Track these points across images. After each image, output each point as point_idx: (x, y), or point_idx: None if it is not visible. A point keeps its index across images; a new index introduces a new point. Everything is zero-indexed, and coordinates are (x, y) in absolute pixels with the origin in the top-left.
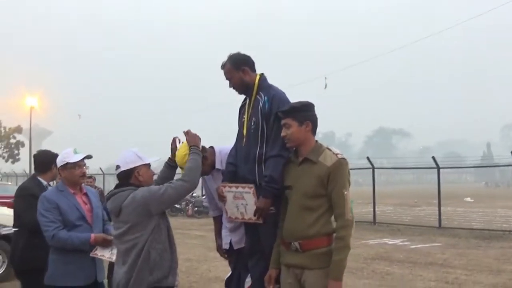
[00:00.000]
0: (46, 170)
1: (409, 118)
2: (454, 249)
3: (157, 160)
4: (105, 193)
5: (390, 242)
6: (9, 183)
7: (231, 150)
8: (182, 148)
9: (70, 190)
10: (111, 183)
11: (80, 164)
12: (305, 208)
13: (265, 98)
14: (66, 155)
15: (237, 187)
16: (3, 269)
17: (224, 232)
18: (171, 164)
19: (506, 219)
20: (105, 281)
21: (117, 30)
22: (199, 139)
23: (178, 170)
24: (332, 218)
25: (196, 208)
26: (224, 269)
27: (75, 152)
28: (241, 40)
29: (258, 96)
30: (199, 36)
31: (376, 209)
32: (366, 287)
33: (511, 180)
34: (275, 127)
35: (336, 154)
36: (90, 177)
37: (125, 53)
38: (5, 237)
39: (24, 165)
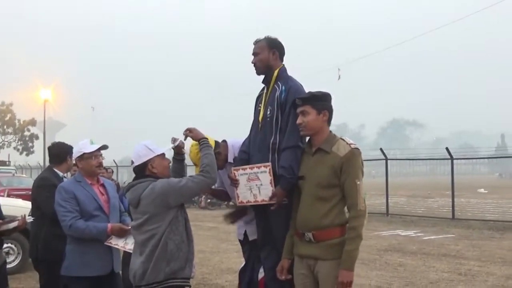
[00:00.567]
0: (61, 162)
1: (423, 109)
2: (467, 240)
3: (168, 149)
4: (121, 185)
5: (403, 234)
6: (24, 175)
7: (244, 140)
8: (194, 147)
9: (87, 181)
10: (124, 176)
11: (96, 154)
12: (318, 199)
13: (283, 87)
14: (82, 146)
15: (251, 168)
16: (18, 261)
17: (239, 223)
18: (178, 158)
19: None
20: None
21: (129, 23)
22: (201, 132)
23: (189, 161)
24: (346, 208)
25: (209, 200)
26: (236, 261)
27: (91, 143)
28: (253, 27)
29: (275, 86)
30: (214, 25)
31: (389, 200)
32: (379, 278)
33: None
34: (291, 117)
35: (350, 144)
36: (107, 169)
37: (140, 44)
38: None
39: (38, 157)
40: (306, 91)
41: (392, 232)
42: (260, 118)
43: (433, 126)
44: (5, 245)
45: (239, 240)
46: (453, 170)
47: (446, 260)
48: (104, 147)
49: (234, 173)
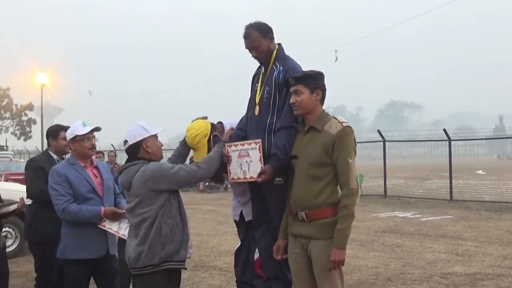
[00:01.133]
0: (49, 144)
1: (421, 91)
2: (465, 221)
3: (162, 130)
4: None
5: (401, 215)
6: (22, 160)
7: (242, 118)
8: (190, 131)
9: (80, 164)
10: (123, 159)
11: (89, 136)
12: (311, 177)
13: (281, 67)
14: (74, 128)
15: (242, 145)
16: (16, 244)
17: (235, 204)
18: (184, 143)
19: None
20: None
21: (127, 6)
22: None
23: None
24: (338, 188)
25: (207, 183)
26: (234, 243)
27: (84, 124)
28: (252, 8)
29: (273, 66)
30: (209, 6)
31: (387, 182)
32: (376, 259)
33: None
34: (287, 98)
35: (342, 123)
36: (110, 152)
37: (136, 28)
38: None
39: (36, 142)
40: (321, 71)
41: (390, 213)
42: (257, 99)
43: (431, 108)
44: (3, 229)
45: (235, 221)
46: (451, 152)
47: (444, 241)
48: (97, 129)
49: (227, 149)
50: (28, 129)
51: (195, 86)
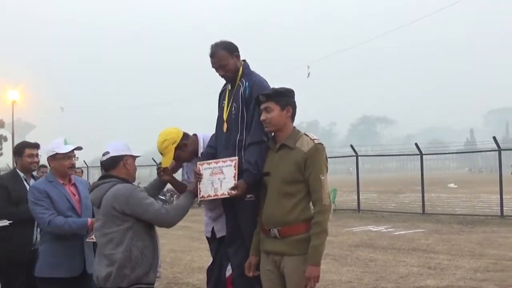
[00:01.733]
0: (16, 161)
1: (393, 106)
2: (437, 234)
3: (140, 156)
4: None
5: (374, 229)
6: None
7: (211, 136)
8: (161, 136)
9: (59, 181)
10: (95, 177)
11: (70, 155)
12: (283, 194)
13: (246, 83)
14: (56, 145)
15: (216, 163)
16: None
17: (206, 220)
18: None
19: (488, 204)
20: None
21: (97, 23)
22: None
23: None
24: (311, 204)
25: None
26: (208, 259)
27: (66, 142)
28: (223, 25)
29: (240, 82)
30: (183, 21)
31: (361, 196)
32: (350, 274)
33: (494, 165)
34: (255, 113)
35: (313, 140)
36: (76, 169)
37: (107, 44)
38: None
39: (7, 159)
40: (290, 88)
41: (363, 228)
42: (225, 116)
43: (403, 123)
44: None
45: (207, 237)
46: (423, 166)
47: (416, 255)
48: (78, 148)
49: (199, 168)
50: None
51: (171, 101)
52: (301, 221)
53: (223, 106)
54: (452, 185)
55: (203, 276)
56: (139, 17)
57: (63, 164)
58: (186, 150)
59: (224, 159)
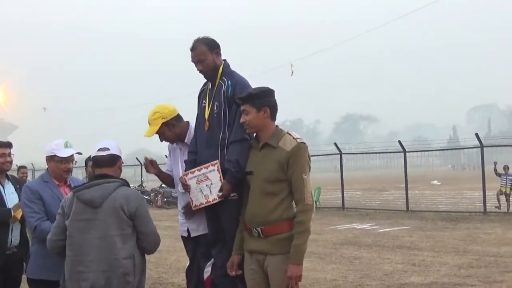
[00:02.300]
0: None
1: (377, 104)
2: (421, 231)
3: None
4: None
5: (358, 227)
6: None
7: (191, 141)
8: (159, 106)
9: (54, 182)
10: (79, 177)
11: (68, 159)
12: (266, 194)
13: (229, 82)
14: (55, 147)
15: (199, 170)
16: None
17: (181, 219)
18: None
19: (472, 200)
20: None
21: (82, 23)
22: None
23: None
24: (294, 203)
25: (165, 199)
26: None
27: (66, 146)
28: (207, 27)
29: (221, 81)
30: (167, 21)
31: (345, 194)
32: (335, 272)
33: (476, 162)
34: (238, 112)
35: (296, 139)
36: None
37: (91, 45)
38: None
39: None
40: (267, 87)
41: (348, 225)
42: (206, 115)
43: (387, 121)
44: None
45: (182, 237)
46: (406, 163)
47: (401, 252)
48: (79, 153)
49: (184, 178)
50: None
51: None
52: (284, 220)
53: (204, 106)
54: (435, 182)
55: None
56: (124, 19)
57: (59, 167)
58: (172, 130)
59: (206, 165)
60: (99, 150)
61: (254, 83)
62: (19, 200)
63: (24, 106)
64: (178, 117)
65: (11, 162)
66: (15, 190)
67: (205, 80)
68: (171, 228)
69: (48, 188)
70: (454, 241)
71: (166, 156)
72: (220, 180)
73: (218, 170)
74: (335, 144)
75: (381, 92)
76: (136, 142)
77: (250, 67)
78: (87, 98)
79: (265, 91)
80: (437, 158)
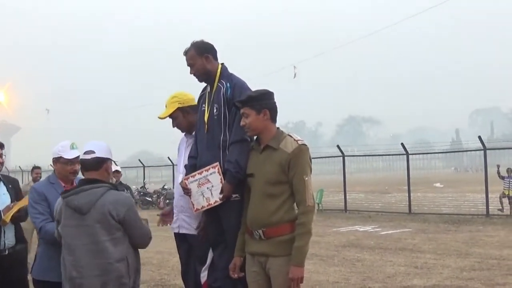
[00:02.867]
0: None
1: (379, 106)
2: (423, 234)
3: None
4: None
5: (361, 229)
6: None
7: (191, 146)
8: (179, 92)
9: (61, 183)
10: None
11: (73, 161)
12: (267, 196)
13: (227, 84)
14: (62, 149)
15: (200, 173)
16: None
17: (176, 215)
18: None
19: (474, 203)
20: None
21: (84, 23)
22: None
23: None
24: (295, 205)
25: (167, 201)
26: None
27: (72, 147)
28: (212, 31)
29: (219, 84)
30: (169, 24)
31: (347, 197)
32: (337, 274)
33: (479, 165)
34: (237, 114)
35: (297, 141)
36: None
37: (93, 43)
38: None
39: None
40: (266, 89)
41: (350, 228)
42: (205, 118)
43: (389, 123)
44: None
45: (174, 234)
46: (409, 165)
47: (403, 254)
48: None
49: (185, 182)
50: None
51: (158, 103)
52: (286, 222)
53: (204, 110)
54: (438, 184)
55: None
56: (125, 21)
57: (65, 168)
58: (186, 116)
59: (206, 168)
60: (85, 153)
61: (257, 86)
62: (11, 200)
63: (27, 108)
64: (195, 107)
65: (2, 163)
66: (7, 191)
67: (205, 85)
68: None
69: (54, 189)
70: (456, 243)
71: (169, 158)
72: (221, 182)
73: (218, 172)
74: (338, 146)
75: (383, 94)
76: (138, 144)
77: (253, 70)
78: (90, 99)
79: (264, 93)
80: (439, 160)
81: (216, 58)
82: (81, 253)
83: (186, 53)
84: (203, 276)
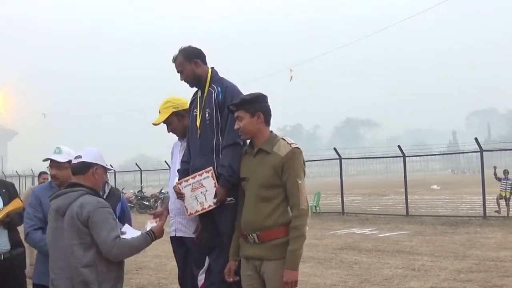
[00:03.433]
0: None
1: (376, 108)
2: (421, 236)
3: (111, 170)
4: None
5: (358, 232)
6: None
7: (184, 151)
8: (173, 96)
9: (57, 187)
10: None
11: (53, 165)
12: (261, 199)
13: (219, 88)
14: (52, 153)
15: (194, 178)
16: None
17: (171, 219)
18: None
19: (471, 205)
20: None
21: (83, 28)
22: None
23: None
24: (289, 208)
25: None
26: None
27: (55, 152)
28: (208, 33)
29: (211, 88)
30: (168, 27)
31: (345, 199)
32: (334, 277)
33: (476, 166)
34: (229, 117)
35: (290, 144)
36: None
37: (91, 48)
38: None
39: None
40: (260, 93)
41: (347, 230)
42: (197, 123)
43: (386, 125)
44: None
45: (170, 237)
46: (406, 168)
47: (400, 257)
48: (48, 159)
49: (178, 187)
50: None
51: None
52: (280, 225)
53: (195, 115)
54: (435, 186)
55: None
56: (123, 25)
57: (51, 172)
58: (181, 120)
59: (199, 172)
60: (74, 158)
61: (253, 89)
62: (4, 204)
63: (24, 112)
64: (189, 111)
65: None
66: (0, 195)
67: (196, 89)
68: None
69: (51, 193)
70: (453, 245)
71: (166, 162)
72: (215, 186)
73: (212, 176)
74: (335, 149)
75: (380, 96)
76: (135, 148)
77: (249, 73)
78: (87, 104)
79: (258, 96)
80: (436, 162)
81: (205, 63)
82: (58, 255)
83: (174, 60)
84: (200, 279)
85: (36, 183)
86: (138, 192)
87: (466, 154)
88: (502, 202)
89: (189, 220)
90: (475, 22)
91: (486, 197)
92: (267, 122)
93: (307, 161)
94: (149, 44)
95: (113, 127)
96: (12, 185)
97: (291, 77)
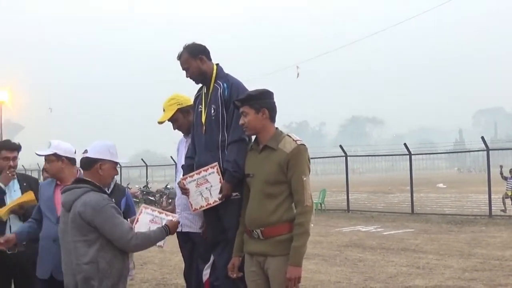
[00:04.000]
0: None
1: (382, 106)
2: (426, 234)
3: (126, 162)
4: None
5: (363, 229)
6: None
7: (189, 145)
8: (177, 94)
9: (57, 182)
10: None
11: (46, 159)
12: (266, 195)
13: (224, 85)
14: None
15: (199, 173)
16: None
17: (178, 214)
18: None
19: (477, 204)
20: None
21: (86, 20)
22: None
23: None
24: (294, 205)
25: (170, 200)
26: None
27: (47, 146)
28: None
29: (216, 84)
30: (171, 25)
31: (350, 196)
32: (339, 274)
33: (482, 165)
34: (235, 113)
35: (296, 141)
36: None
37: (97, 42)
38: None
39: None
40: (266, 89)
41: (352, 228)
42: (203, 119)
43: (392, 123)
44: None
45: (177, 233)
46: (412, 166)
47: (405, 254)
48: (41, 155)
49: (183, 182)
50: None
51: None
52: (284, 221)
53: (200, 111)
54: (441, 185)
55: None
56: (132, 22)
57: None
58: (186, 117)
59: (205, 168)
60: (83, 153)
61: (259, 86)
62: None
63: (31, 107)
64: (193, 107)
65: (15, 167)
66: (20, 188)
67: (200, 86)
68: None
69: (50, 187)
70: (459, 244)
71: (172, 157)
72: (220, 182)
73: (218, 172)
74: (341, 146)
75: (386, 95)
76: (141, 144)
77: (256, 70)
78: (94, 98)
79: (263, 92)
80: (442, 161)
81: (210, 59)
82: (64, 250)
83: (179, 57)
84: (206, 274)
85: (41, 178)
86: (143, 187)
87: (472, 152)
88: (508, 201)
89: (196, 216)
90: (483, 20)
91: (492, 196)
92: (272, 118)
93: (312, 158)
94: (156, 40)
95: (118, 122)
96: (36, 180)
97: (297, 74)
